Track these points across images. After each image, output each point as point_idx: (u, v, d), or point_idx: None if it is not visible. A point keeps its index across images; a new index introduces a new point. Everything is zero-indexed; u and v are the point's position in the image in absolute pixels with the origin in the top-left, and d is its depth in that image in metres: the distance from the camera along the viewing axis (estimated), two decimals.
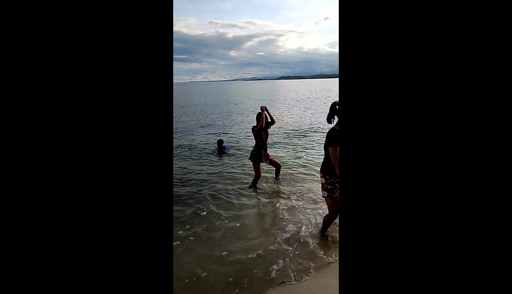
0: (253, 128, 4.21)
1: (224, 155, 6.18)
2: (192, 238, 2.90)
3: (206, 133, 9.29)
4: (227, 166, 5.45)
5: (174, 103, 22.17)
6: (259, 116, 4.13)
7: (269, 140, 4.52)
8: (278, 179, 4.49)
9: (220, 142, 6.55)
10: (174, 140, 7.82)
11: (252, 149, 4.33)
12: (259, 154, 4.20)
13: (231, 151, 6.41)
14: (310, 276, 2.33)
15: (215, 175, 4.94)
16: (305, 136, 8.38)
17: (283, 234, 2.92)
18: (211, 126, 10.81)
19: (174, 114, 14.48)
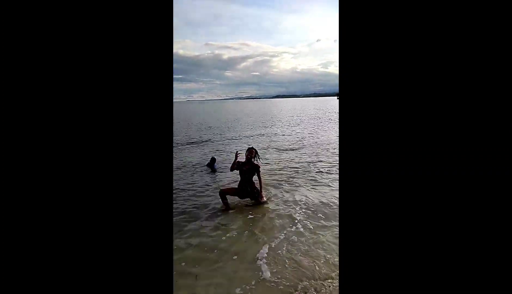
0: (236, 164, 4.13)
1: (216, 171, 6.27)
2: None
3: (200, 150, 9.28)
4: (214, 182, 5.46)
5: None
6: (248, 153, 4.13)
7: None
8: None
9: (213, 159, 6.66)
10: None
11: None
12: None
13: (218, 168, 6.48)
14: None
15: (202, 190, 4.95)
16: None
17: None
18: (204, 143, 10.80)
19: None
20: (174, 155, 7.90)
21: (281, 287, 2.32)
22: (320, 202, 4.14)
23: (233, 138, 12.02)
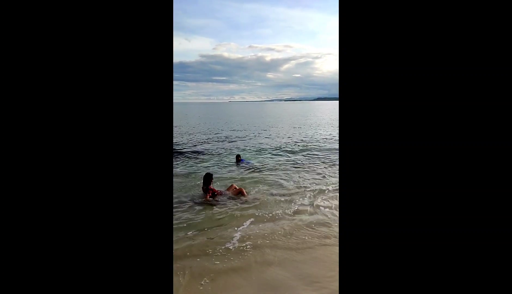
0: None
1: (241, 166, 7.00)
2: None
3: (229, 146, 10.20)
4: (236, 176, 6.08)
5: (212, 120, 23.68)
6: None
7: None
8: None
9: (237, 156, 7.53)
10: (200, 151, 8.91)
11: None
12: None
13: (246, 163, 7.23)
14: None
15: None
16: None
17: None
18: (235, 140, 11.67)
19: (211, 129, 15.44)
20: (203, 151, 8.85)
21: None
22: None
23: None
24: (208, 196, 4.55)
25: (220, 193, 4.73)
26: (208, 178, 4.78)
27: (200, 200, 4.56)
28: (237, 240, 3.16)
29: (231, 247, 3.02)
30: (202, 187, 4.75)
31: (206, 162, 7.55)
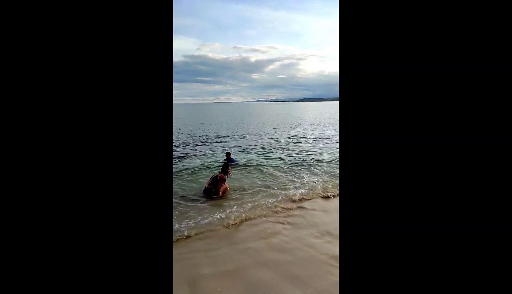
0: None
1: (230, 165, 6.94)
2: None
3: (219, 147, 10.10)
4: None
5: (198, 120, 23.43)
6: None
7: None
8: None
9: (227, 154, 7.54)
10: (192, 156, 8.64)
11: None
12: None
13: (236, 161, 7.32)
14: None
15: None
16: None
17: None
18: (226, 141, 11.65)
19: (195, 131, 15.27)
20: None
21: None
22: None
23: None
24: (221, 193, 4.64)
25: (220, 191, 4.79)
26: (226, 168, 5.06)
27: (198, 198, 4.56)
28: (225, 242, 3.16)
29: (217, 249, 3.00)
30: (213, 178, 4.79)
31: (195, 161, 7.58)
